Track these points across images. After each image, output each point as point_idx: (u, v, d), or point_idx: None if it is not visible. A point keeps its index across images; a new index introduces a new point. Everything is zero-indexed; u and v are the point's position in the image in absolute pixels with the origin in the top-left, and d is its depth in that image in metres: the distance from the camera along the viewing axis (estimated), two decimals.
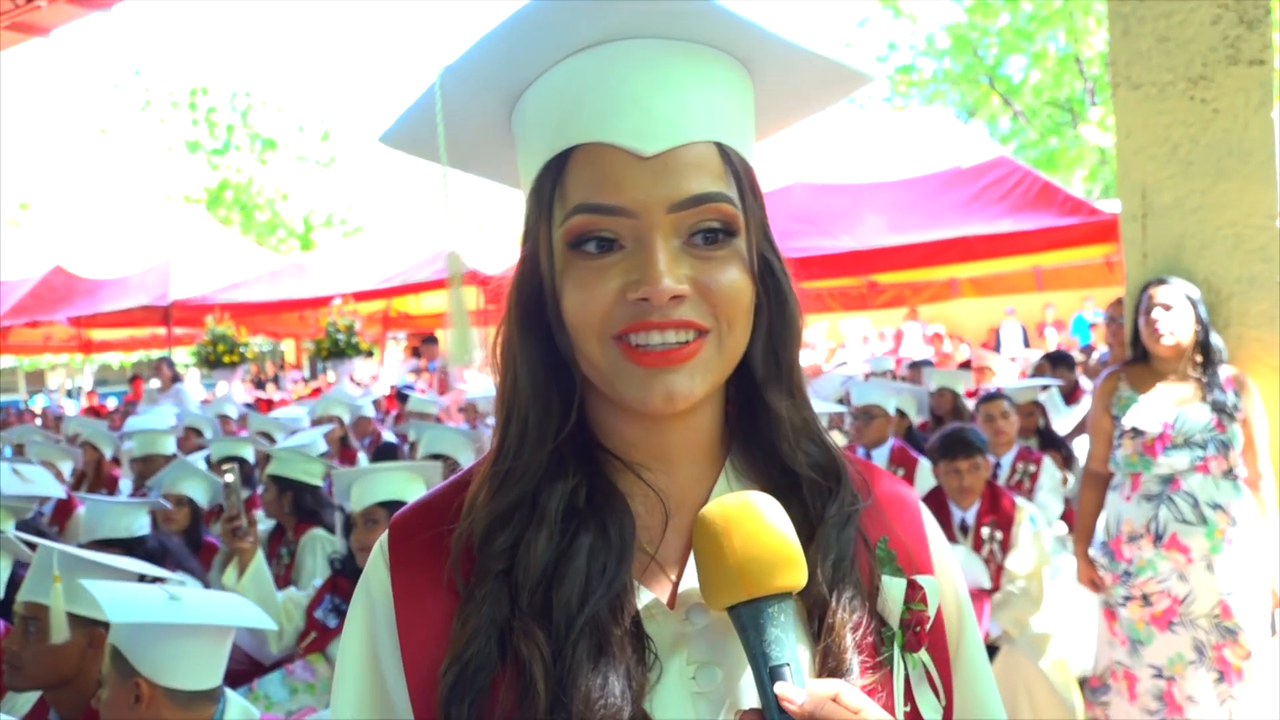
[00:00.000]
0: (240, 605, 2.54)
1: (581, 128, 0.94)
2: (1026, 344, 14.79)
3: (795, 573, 0.90)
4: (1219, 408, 3.81)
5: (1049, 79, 26.05)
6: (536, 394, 0.99)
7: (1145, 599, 3.88)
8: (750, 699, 0.94)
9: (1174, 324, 3.88)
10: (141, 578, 2.91)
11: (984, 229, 9.02)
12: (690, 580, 0.99)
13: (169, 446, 6.50)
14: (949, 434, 4.58)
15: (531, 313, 0.99)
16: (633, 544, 0.98)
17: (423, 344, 11.88)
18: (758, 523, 0.90)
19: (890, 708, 0.98)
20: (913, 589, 1.02)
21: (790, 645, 0.88)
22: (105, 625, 2.71)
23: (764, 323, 1.01)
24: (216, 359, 10.17)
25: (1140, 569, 3.89)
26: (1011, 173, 9.56)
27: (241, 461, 5.20)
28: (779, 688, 0.86)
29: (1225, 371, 3.92)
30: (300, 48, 63.45)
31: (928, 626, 1.03)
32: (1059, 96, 26.46)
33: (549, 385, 1.00)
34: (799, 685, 0.86)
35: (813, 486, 1.03)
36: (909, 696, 1.01)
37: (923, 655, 1.02)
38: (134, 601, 2.32)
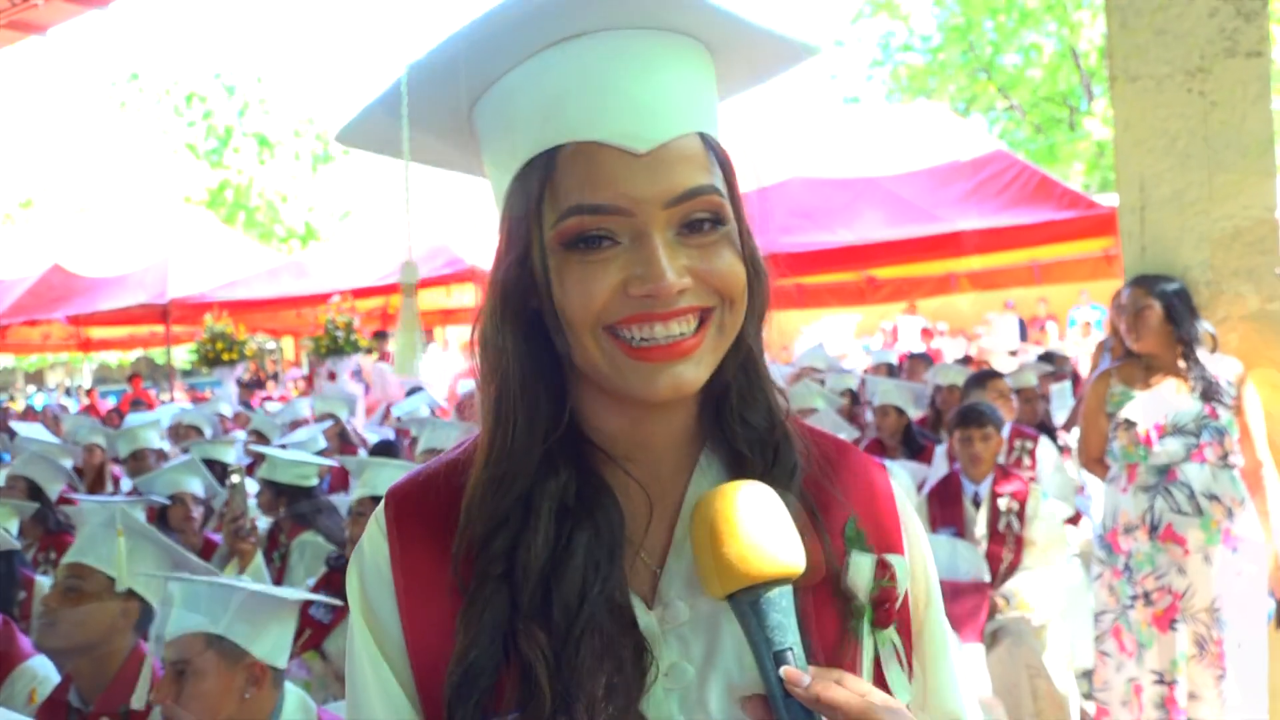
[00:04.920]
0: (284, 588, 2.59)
1: (569, 125, 0.94)
2: (1024, 337, 14.80)
3: (795, 558, 0.91)
4: (1209, 395, 3.82)
5: (1045, 73, 26.08)
6: (526, 394, 0.98)
7: (1147, 597, 3.87)
8: (717, 699, 0.96)
9: (1140, 323, 3.91)
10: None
11: (982, 223, 9.03)
12: (670, 575, 1.01)
13: (154, 440, 6.51)
14: (965, 407, 4.71)
15: (520, 311, 0.98)
16: (623, 538, 0.99)
17: (374, 338, 11.75)
18: (756, 510, 0.91)
19: None
20: (881, 567, 1.03)
21: (792, 630, 0.89)
22: (141, 600, 2.80)
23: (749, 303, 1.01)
24: (215, 356, 10.14)
25: (1139, 563, 3.89)
26: (1009, 166, 9.58)
27: (291, 492, 5.04)
28: (785, 670, 0.87)
29: (1220, 361, 3.93)
30: (298, 42, 63.38)
31: (897, 605, 1.04)
32: (1055, 90, 26.48)
33: (538, 384, 0.99)
34: (802, 669, 0.87)
35: (746, 461, 1.03)
36: (878, 675, 1.02)
37: (891, 633, 1.03)
38: (214, 585, 2.35)
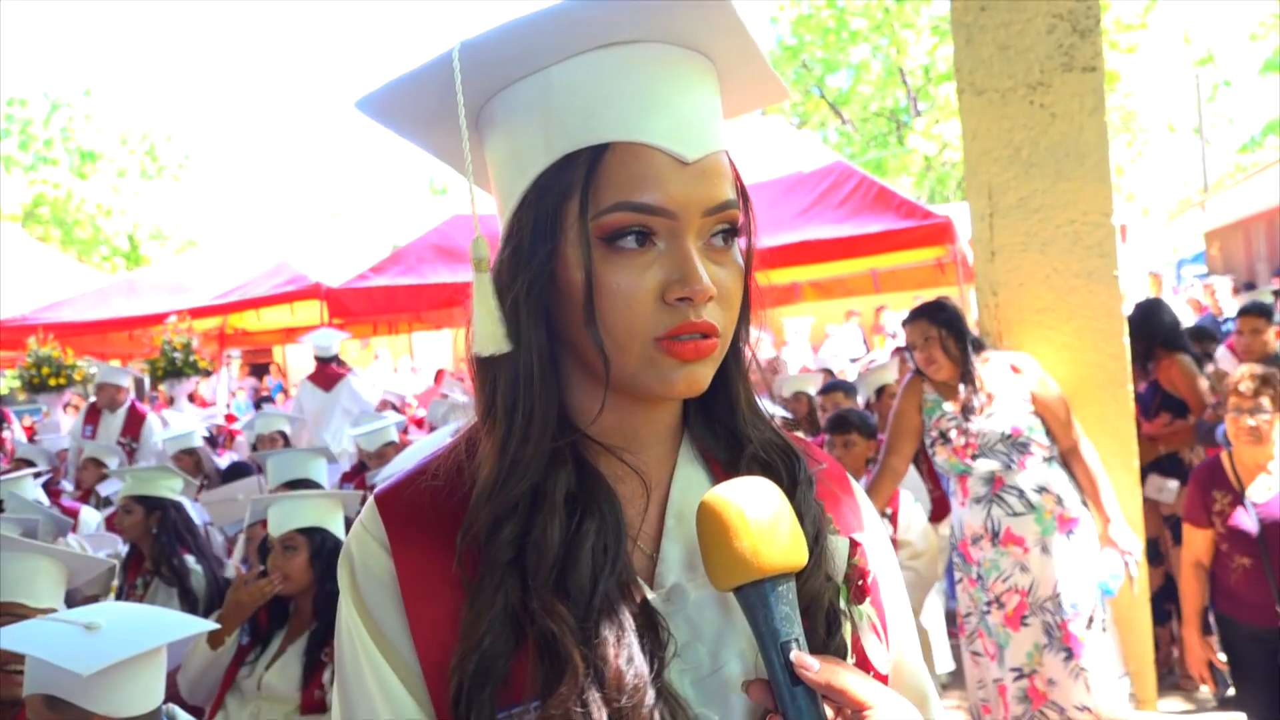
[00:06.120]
0: (165, 618, 2.45)
1: (618, 125, 0.96)
2: (867, 348, 15.29)
3: (802, 551, 0.94)
4: (1007, 416, 3.96)
5: (873, 89, 27.09)
6: (543, 385, 1.00)
7: (998, 601, 4.00)
8: (731, 676, 0.99)
9: (932, 352, 4.05)
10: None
11: (826, 233, 9.27)
12: (667, 560, 1.03)
13: None
14: (834, 415, 4.85)
15: (540, 301, 1.00)
16: (624, 522, 1.01)
17: (252, 370, 11.32)
18: (765, 505, 0.93)
19: None
20: (853, 546, 1.09)
21: (796, 621, 0.92)
22: None
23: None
24: (41, 382, 9.55)
25: (987, 570, 4.02)
26: (849, 177, 9.86)
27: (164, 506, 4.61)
28: (796, 655, 0.90)
29: (1002, 360, 4.06)
30: (125, 57, 60.65)
31: (869, 580, 1.09)
32: (883, 107, 27.54)
33: (552, 373, 1.02)
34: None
35: (762, 461, 1.08)
36: (856, 648, 1.06)
37: (866, 607, 1.08)
38: (60, 645, 2.18)
